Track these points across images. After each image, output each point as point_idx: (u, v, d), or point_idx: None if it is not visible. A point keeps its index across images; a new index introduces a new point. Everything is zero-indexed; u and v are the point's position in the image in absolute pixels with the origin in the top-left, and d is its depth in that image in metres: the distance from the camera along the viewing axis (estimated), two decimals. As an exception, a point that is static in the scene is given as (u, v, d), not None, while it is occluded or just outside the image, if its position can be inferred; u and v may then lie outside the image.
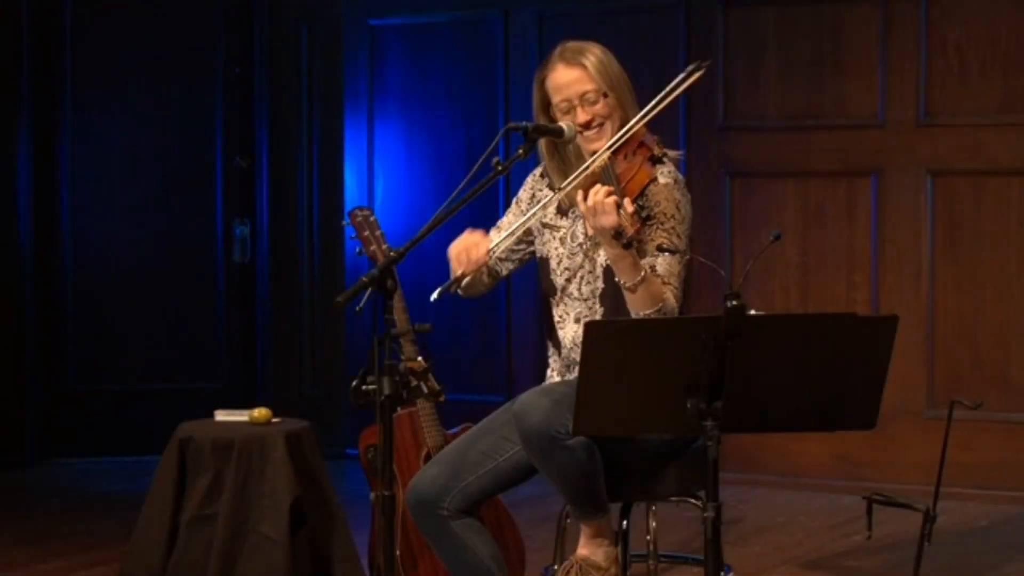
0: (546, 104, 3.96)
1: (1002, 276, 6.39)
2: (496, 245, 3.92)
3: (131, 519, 4.92)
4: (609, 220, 3.60)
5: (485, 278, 4.05)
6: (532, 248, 4.08)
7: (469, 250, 3.86)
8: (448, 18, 7.32)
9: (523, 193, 4.11)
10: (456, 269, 3.87)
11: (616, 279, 3.74)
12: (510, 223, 4.06)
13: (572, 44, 3.95)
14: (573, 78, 3.90)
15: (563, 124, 3.89)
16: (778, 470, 6.71)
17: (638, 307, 3.72)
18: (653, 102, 3.80)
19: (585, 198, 3.66)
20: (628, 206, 3.60)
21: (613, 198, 3.61)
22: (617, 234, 3.60)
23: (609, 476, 3.81)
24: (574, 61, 3.90)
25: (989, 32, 6.36)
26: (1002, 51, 6.35)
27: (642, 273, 3.69)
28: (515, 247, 4.06)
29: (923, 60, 6.45)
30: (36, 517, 6.31)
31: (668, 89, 3.80)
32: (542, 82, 3.95)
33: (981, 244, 6.42)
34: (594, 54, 3.91)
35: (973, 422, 6.18)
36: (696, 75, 3.78)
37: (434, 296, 3.79)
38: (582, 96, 3.89)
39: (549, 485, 3.80)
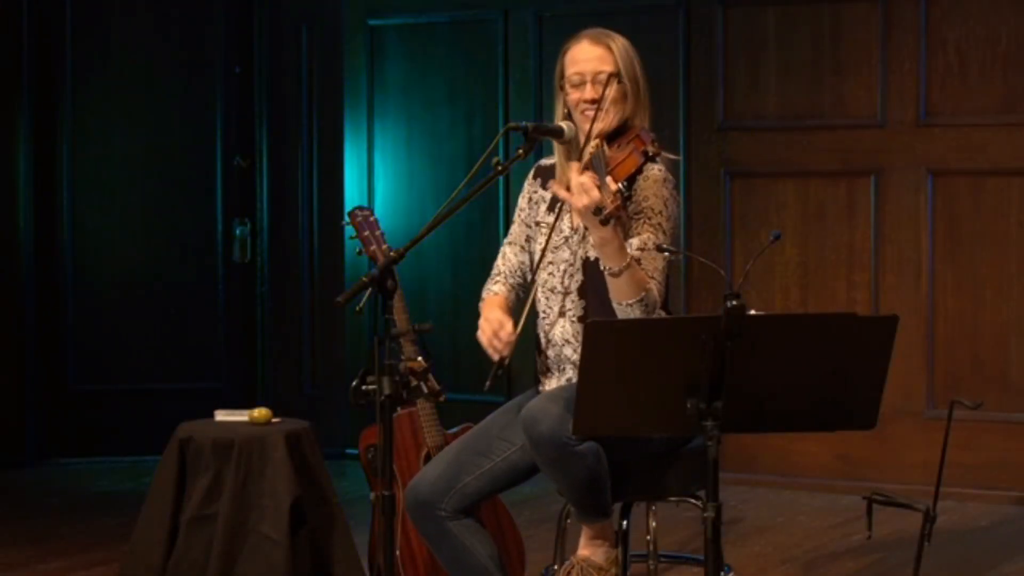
0: (562, 76, 3.97)
1: (1002, 276, 6.39)
2: (519, 318, 3.93)
3: (131, 519, 4.92)
4: (589, 196, 3.59)
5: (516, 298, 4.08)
6: None
7: (498, 334, 3.86)
8: (448, 18, 7.32)
9: (521, 200, 4.13)
10: (494, 356, 3.87)
11: (601, 266, 3.74)
12: (517, 232, 4.09)
13: (602, 29, 3.99)
14: (595, 55, 3.92)
15: (563, 124, 3.91)
16: (778, 470, 6.70)
17: (621, 295, 3.71)
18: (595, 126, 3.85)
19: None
20: (611, 184, 3.60)
21: (593, 176, 3.61)
22: (597, 210, 3.59)
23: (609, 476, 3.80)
24: (600, 41, 3.95)
25: (989, 32, 6.36)
26: (1002, 51, 6.34)
27: (627, 259, 3.69)
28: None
29: (923, 60, 6.45)
30: (36, 517, 6.31)
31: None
32: (563, 54, 3.98)
33: (981, 244, 6.41)
34: (621, 42, 3.97)
35: (973, 422, 6.17)
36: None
37: (487, 386, 3.82)
38: (596, 74, 3.90)
39: (550, 485, 3.80)
